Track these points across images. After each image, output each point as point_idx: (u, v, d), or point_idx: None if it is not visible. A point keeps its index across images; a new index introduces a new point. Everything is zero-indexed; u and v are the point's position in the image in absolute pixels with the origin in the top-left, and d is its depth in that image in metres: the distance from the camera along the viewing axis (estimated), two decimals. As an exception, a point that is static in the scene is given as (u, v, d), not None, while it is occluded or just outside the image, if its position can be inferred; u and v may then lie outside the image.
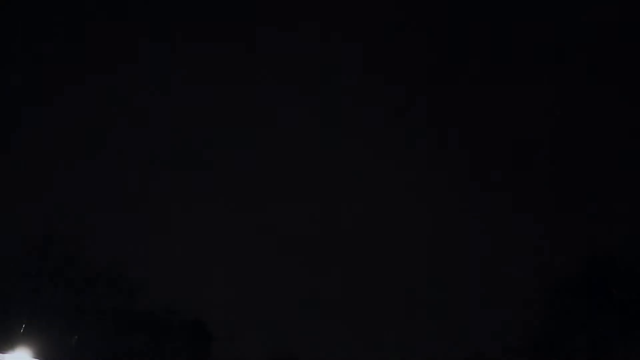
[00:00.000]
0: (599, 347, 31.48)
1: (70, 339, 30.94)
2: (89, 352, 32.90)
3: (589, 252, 32.09)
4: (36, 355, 11.79)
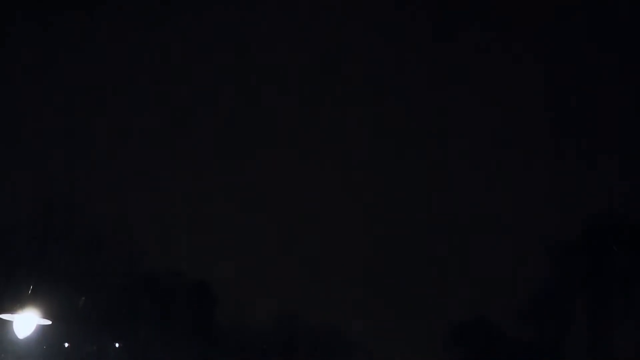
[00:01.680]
0: (600, 307, 31.74)
1: (77, 301, 31.34)
2: (95, 313, 33.35)
3: (590, 211, 32.05)
4: (44, 316, 11.94)
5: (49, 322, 12.54)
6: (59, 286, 26.70)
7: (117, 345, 45.21)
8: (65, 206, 28.32)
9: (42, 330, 17.77)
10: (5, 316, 12.16)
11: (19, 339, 15.76)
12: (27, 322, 11.86)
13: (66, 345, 35.09)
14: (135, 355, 42.56)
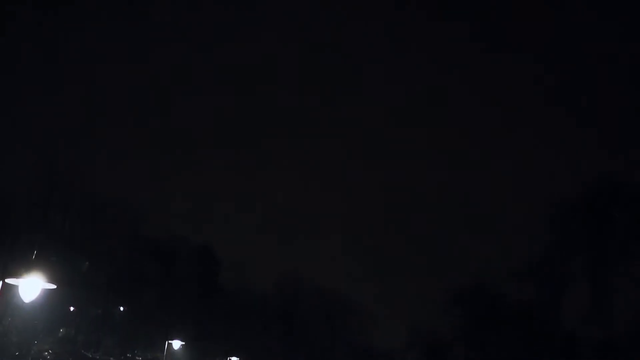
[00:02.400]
0: (599, 269, 31.97)
1: (81, 266, 31.70)
2: (100, 277, 33.72)
3: (590, 175, 32.07)
4: (49, 280, 12.09)
5: (54, 287, 12.71)
6: (63, 251, 26.95)
7: (121, 308, 45.84)
8: (67, 173, 28.39)
9: (48, 294, 18.05)
10: (10, 280, 12.32)
11: (24, 302, 16.04)
12: (32, 286, 12.04)
13: (72, 309, 35.60)
14: (140, 318, 43.21)
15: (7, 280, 12.48)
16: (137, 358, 46.01)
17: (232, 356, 56.97)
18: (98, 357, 33.77)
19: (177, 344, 34.57)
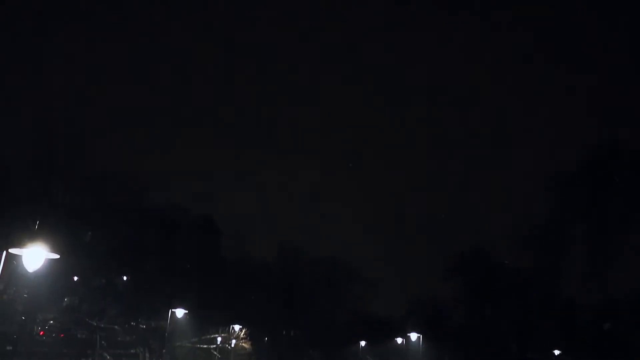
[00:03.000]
0: (598, 236, 32.10)
1: (84, 236, 31.90)
2: (102, 247, 33.95)
3: (591, 141, 31.95)
4: (52, 250, 12.23)
5: (57, 256, 12.85)
6: (65, 222, 27.10)
7: (124, 278, 46.29)
8: (67, 143, 28.37)
9: (51, 264, 18.24)
10: (14, 250, 12.46)
11: (29, 272, 16.22)
12: (35, 256, 12.19)
13: (75, 278, 35.96)
14: (143, 287, 43.61)
15: (11, 250, 12.61)
16: (141, 326, 46.63)
17: (234, 324, 57.76)
18: (102, 325, 34.23)
19: (180, 313, 35.00)
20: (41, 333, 37.21)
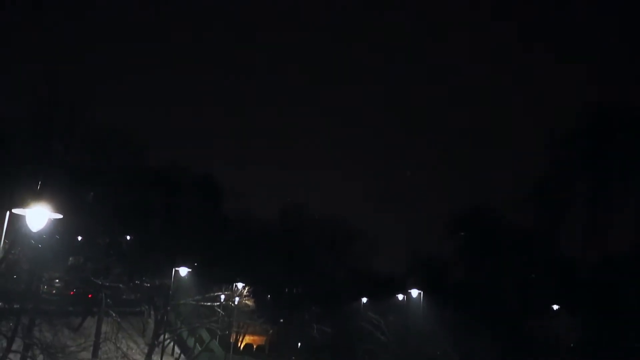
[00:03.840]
0: (599, 193, 32.15)
1: (87, 196, 32.03)
2: (105, 207, 34.11)
3: (592, 98, 31.71)
4: (55, 210, 12.27)
5: (60, 216, 12.89)
6: (68, 182, 27.14)
7: (128, 237, 46.70)
8: (67, 102, 28.16)
9: (55, 224, 18.34)
10: (18, 211, 12.49)
11: (33, 232, 16.32)
12: (39, 216, 12.22)
13: (79, 238, 36.28)
14: (146, 246, 44.07)
15: (14, 211, 12.65)
16: (146, 284, 47.25)
17: (237, 282, 58.46)
18: (107, 284, 34.64)
19: (183, 271, 35.38)
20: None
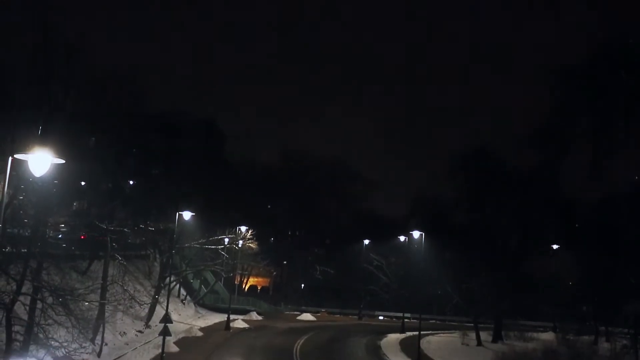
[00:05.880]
0: (601, 132, 31.96)
1: (88, 141, 32.00)
2: (107, 153, 34.14)
3: (597, 36, 31.06)
4: (57, 155, 12.27)
5: (63, 161, 12.91)
6: (69, 128, 27.04)
7: (131, 182, 46.95)
8: (65, 46, 27.71)
9: (58, 170, 18.40)
10: (20, 156, 12.50)
11: (36, 177, 16.41)
12: (41, 161, 12.23)
13: (82, 183, 36.46)
14: (149, 191, 44.36)
15: (17, 156, 12.65)
16: (150, 228, 47.83)
17: (241, 225, 59.10)
18: (112, 228, 35.04)
19: (187, 215, 35.70)
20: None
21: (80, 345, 25.28)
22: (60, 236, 34.72)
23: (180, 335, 43.28)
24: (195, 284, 65.73)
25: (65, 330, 25.32)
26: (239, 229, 58.31)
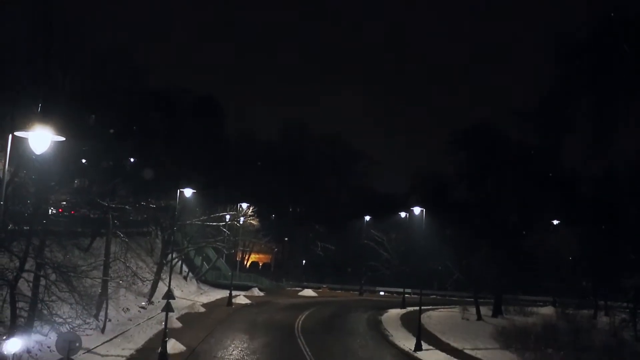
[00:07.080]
0: (603, 108, 31.80)
1: (88, 119, 31.87)
2: (106, 129, 34.07)
3: (598, 8, 30.58)
4: (57, 133, 12.25)
5: (63, 139, 12.89)
6: (68, 105, 26.94)
7: (131, 160, 46.90)
8: (64, 25, 27.51)
9: (58, 148, 18.40)
10: (20, 134, 12.47)
11: (37, 155, 16.38)
12: (42, 138, 12.20)
13: (83, 161, 36.40)
14: (150, 168, 44.32)
15: (17, 134, 12.63)
16: (151, 205, 47.92)
17: (242, 202, 59.22)
18: (114, 205, 35.11)
19: (188, 192, 35.73)
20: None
21: (84, 321, 25.51)
22: (66, 213, 34.80)
23: (183, 311, 43.68)
24: (197, 260, 66.11)
25: (69, 306, 25.55)
26: (240, 206, 58.43)
